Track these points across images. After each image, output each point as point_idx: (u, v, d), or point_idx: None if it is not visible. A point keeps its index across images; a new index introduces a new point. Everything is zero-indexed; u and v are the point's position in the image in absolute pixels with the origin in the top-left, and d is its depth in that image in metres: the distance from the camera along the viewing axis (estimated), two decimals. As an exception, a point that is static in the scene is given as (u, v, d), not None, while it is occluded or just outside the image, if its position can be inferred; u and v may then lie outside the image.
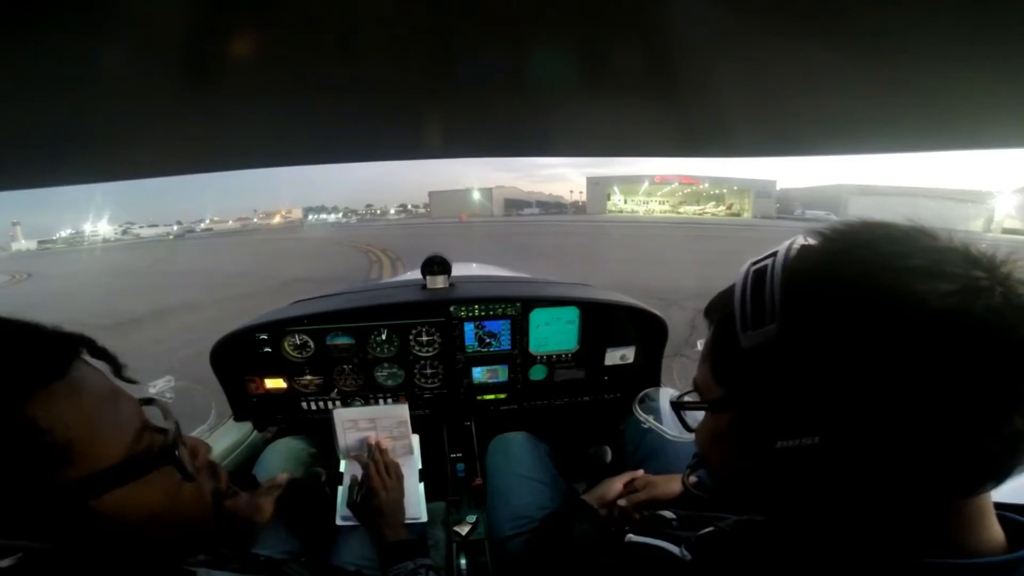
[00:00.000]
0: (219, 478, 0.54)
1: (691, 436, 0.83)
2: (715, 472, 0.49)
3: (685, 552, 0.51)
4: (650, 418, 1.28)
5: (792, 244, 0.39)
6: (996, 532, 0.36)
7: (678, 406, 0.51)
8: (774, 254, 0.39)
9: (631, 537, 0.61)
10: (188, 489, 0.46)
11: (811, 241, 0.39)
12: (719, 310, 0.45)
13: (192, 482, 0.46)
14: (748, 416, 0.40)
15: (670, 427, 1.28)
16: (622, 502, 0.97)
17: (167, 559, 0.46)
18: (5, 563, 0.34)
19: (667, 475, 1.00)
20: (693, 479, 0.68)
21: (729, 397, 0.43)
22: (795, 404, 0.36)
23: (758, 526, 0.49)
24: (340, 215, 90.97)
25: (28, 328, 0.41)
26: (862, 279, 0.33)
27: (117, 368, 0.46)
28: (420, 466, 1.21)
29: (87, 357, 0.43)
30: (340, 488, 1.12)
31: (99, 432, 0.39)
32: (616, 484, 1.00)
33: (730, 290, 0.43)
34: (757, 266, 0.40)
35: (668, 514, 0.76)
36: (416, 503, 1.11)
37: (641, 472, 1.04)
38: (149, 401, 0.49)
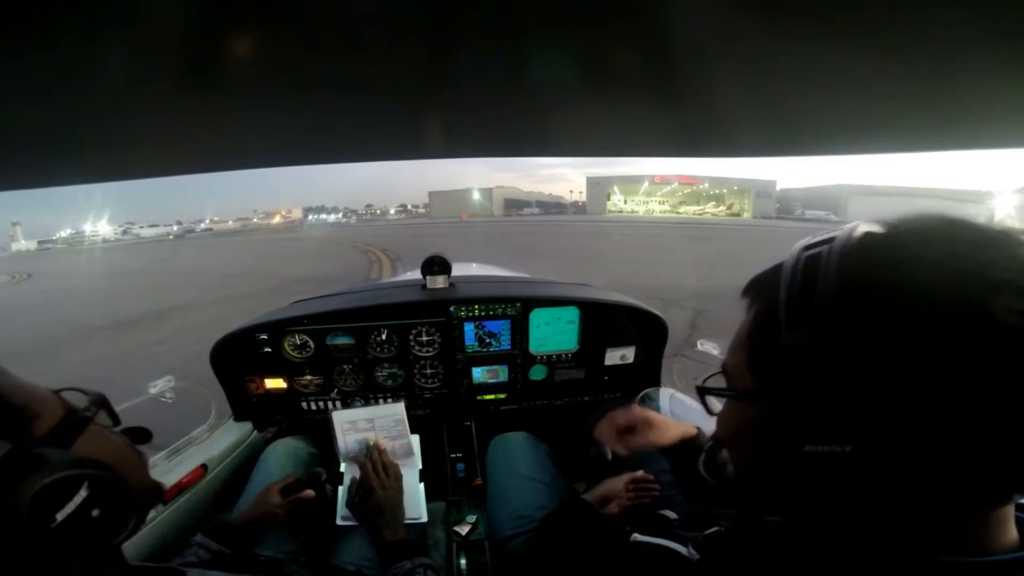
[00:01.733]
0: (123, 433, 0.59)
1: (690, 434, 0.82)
2: (734, 462, 0.47)
3: (692, 551, 0.51)
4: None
5: (853, 231, 0.34)
6: (1012, 532, 0.36)
7: (703, 391, 0.48)
8: (831, 240, 0.35)
9: (636, 537, 0.61)
10: (121, 439, 0.54)
11: (875, 230, 0.34)
12: (761, 294, 0.41)
13: (119, 425, 0.54)
14: (779, 413, 0.37)
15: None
16: (619, 448, 0.99)
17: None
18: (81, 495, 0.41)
19: (667, 420, 0.99)
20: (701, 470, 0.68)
21: (762, 390, 0.39)
22: (834, 410, 0.33)
23: (767, 526, 0.48)
24: (340, 215, 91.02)
25: None
26: (936, 287, 0.30)
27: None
28: (420, 466, 1.22)
29: None
30: (340, 488, 1.12)
31: (37, 398, 0.45)
32: (618, 483, 1.00)
33: (775, 271, 0.39)
34: (811, 252, 0.35)
35: (670, 514, 0.76)
36: (416, 503, 1.11)
37: (641, 472, 1.05)
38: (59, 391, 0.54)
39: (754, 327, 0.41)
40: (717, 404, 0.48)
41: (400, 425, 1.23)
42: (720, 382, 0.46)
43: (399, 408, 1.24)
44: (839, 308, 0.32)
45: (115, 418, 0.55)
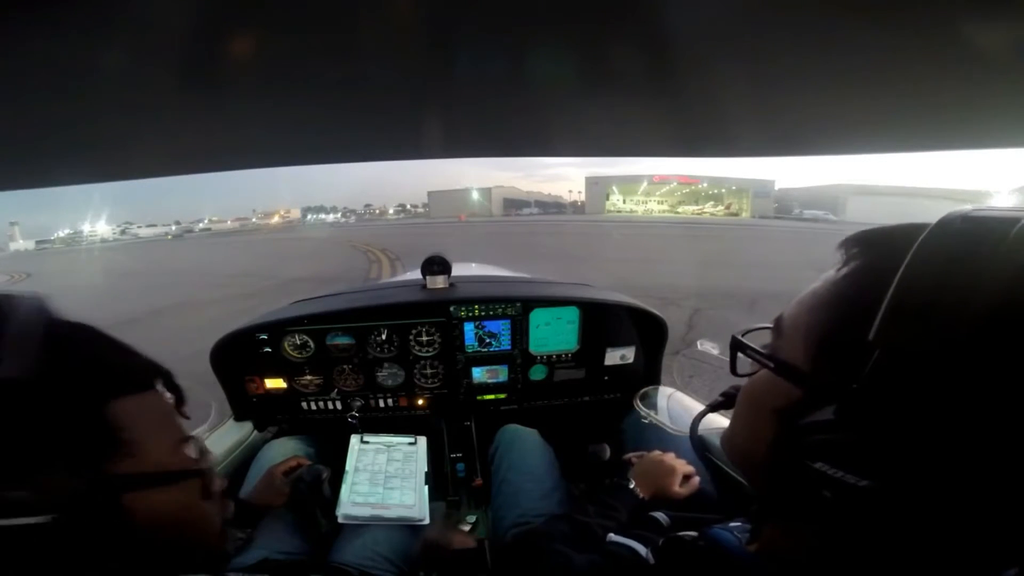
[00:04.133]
0: (226, 508, 0.57)
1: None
2: (735, 422, 0.43)
3: (649, 555, 0.51)
4: (651, 413, 1.28)
5: None
6: None
7: (738, 345, 0.40)
8: (1015, 219, 0.25)
9: (611, 537, 0.62)
10: (203, 508, 0.51)
11: None
12: (873, 252, 0.32)
13: (209, 500, 0.51)
14: (814, 414, 0.30)
15: (670, 424, 1.29)
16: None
17: (173, 563, 0.49)
18: (41, 519, 0.37)
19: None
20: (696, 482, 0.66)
21: (813, 376, 0.32)
22: (895, 437, 0.26)
23: (732, 541, 0.46)
24: (339, 215, 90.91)
25: (133, 350, 0.51)
26: None
27: (181, 402, 0.54)
28: (427, 469, 1.22)
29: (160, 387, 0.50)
30: (344, 487, 1.12)
31: (155, 441, 0.45)
32: (664, 467, 0.98)
33: (904, 232, 0.30)
34: (975, 222, 0.26)
35: (662, 516, 0.77)
36: (421, 505, 1.11)
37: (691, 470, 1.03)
38: (188, 439, 0.54)
39: (843, 293, 0.32)
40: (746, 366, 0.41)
41: (410, 461, 1.25)
42: (764, 338, 0.38)
43: (420, 445, 1.29)
44: (1013, 307, 0.23)
45: (207, 493, 0.50)
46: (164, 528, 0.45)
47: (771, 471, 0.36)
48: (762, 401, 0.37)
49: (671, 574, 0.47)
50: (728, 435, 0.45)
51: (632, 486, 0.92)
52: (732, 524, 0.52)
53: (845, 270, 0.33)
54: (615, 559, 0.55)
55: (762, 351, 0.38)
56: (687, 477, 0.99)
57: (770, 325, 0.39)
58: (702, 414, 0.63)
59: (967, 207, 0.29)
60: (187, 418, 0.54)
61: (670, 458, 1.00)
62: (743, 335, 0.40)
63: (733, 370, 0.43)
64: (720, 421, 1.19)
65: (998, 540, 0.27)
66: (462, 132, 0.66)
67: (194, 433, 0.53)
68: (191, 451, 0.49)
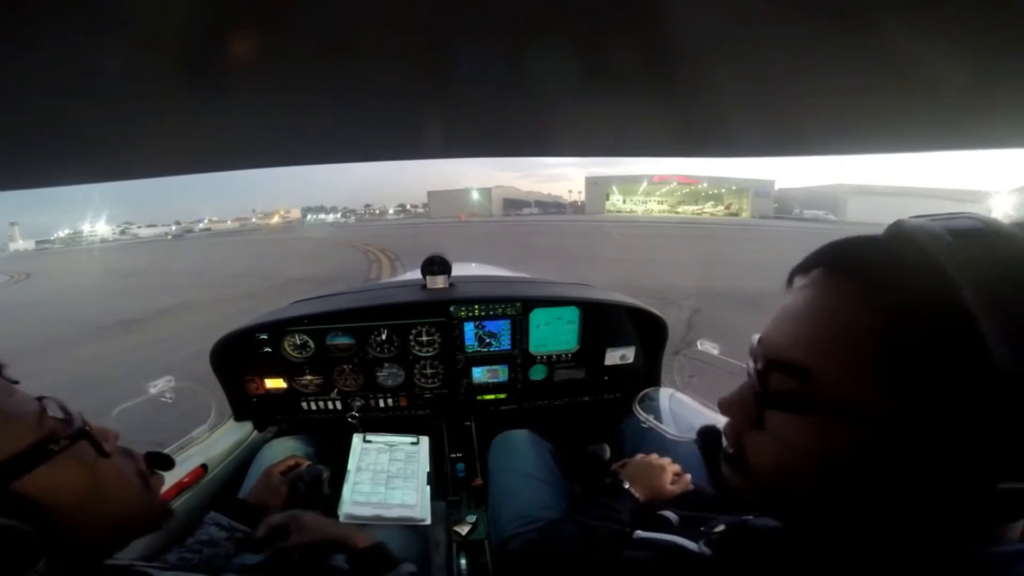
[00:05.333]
0: (136, 459, 0.55)
1: (689, 436, 0.81)
2: (776, 483, 0.39)
3: (704, 548, 0.49)
4: (650, 417, 1.28)
5: None
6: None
7: (773, 400, 0.36)
8: None
9: (639, 534, 0.60)
10: (108, 468, 0.49)
11: None
12: (902, 286, 0.31)
13: (107, 457, 0.49)
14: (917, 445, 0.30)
15: (670, 427, 1.29)
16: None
17: (112, 542, 0.48)
18: None
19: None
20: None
21: (894, 414, 0.30)
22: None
23: (782, 524, 0.45)
24: (339, 215, 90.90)
25: None
26: None
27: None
28: (428, 469, 1.22)
29: None
30: (345, 486, 1.12)
31: (4, 421, 0.42)
32: (654, 468, 0.97)
33: (908, 252, 0.32)
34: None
35: (670, 515, 0.76)
36: (422, 505, 1.11)
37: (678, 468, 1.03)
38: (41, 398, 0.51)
39: (896, 332, 0.31)
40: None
41: (412, 461, 1.25)
42: (785, 383, 0.36)
43: (422, 445, 1.28)
44: None
45: (99, 450, 0.49)
46: (78, 501, 0.44)
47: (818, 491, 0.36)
48: (811, 448, 0.35)
49: (737, 564, 0.45)
50: (755, 480, 0.42)
51: (627, 487, 0.92)
52: (747, 519, 0.51)
53: (868, 305, 0.34)
54: (660, 555, 0.54)
55: (815, 400, 0.34)
56: (677, 475, 0.99)
57: (789, 371, 0.37)
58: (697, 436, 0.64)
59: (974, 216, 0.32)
60: (15, 382, 0.50)
61: (657, 458, 1.01)
62: (764, 386, 0.38)
63: (758, 424, 0.39)
64: (722, 423, 1.19)
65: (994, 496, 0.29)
66: (462, 132, 0.66)
67: (194, 433, 0.52)
68: (55, 414, 0.47)
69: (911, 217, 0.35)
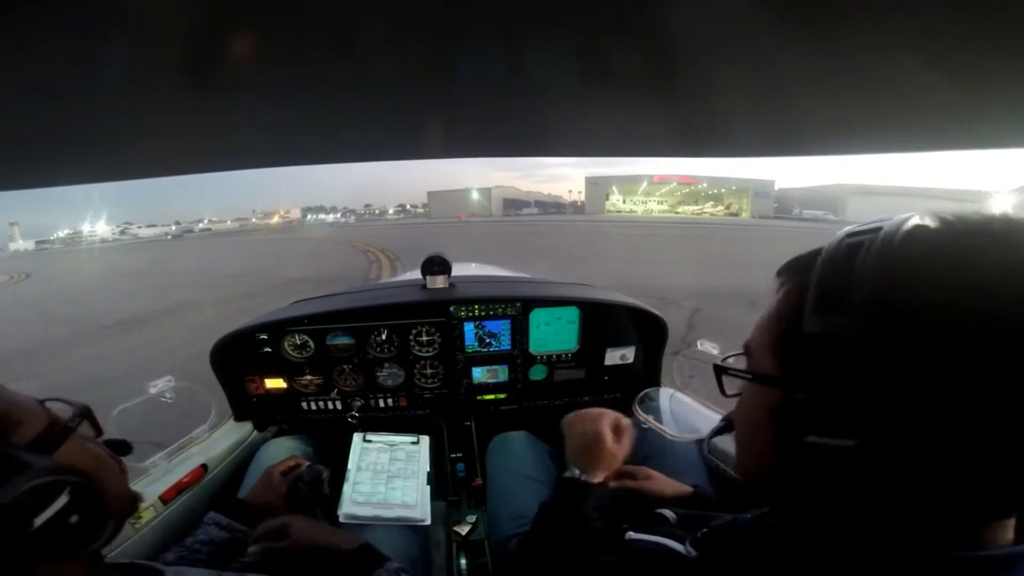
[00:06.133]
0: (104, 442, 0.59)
1: (689, 436, 0.81)
2: (738, 447, 0.47)
3: (690, 549, 0.50)
4: (650, 418, 1.28)
5: (903, 223, 0.33)
6: (1009, 529, 0.35)
7: (720, 369, 0.47)
8: (876, 229, 0.34)
9: (631, 535, 0.60)
10: (100, 449, 0.53)
11: (928, 223, 0.32)
12: (795, 276, 0.40)
13: (100, 433, 0.54)
14: (791, 400, 0.36)
15: (670, 427, 1.29)
16: (613, 484, 0.95)
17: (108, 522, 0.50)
18: (62, 500, 0.41)
19: (668, 478, 0.99)
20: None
21: (780, 375, 0.39)
22: (847, 403, 0.32)
23: (767, 523, 0.47)
24: (339, 215, 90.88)
25: None
26: (1000, 288, 0.28)
27: None
28: (428, 468, 1.22)
29: None
30: (345, 486, 1.12)
31: (21, 406, 0.46)
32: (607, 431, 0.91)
33: (812, 256, 0.39)
34: (852, 239, 0.35)
35: (668, 513, 0.76)
36: (422, 505, 1.11)
37: (645, 469, 1.04)
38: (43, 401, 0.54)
39: (782, 309, 0.40)
40: (733, 387, 0.48)
41: (412, 461, 1.25)
42: (741, 363, 0.45)
43: (423, 445, 1.28)
44: (874, 301, 0.31)
45: (98, 429, 0.55)
46: (94, 474, 0.48)
47: (778, 472, 0.40)
48: (752, 413, 0.43)
49: (723, 565, 0.47)
50: (738, 461, 0.49)
51: (577, 475, 0.85)
52: (745, 517, 0.51)
53: (780, 292, 0.42)
54: (648, 558, 0.54)
55: (741, 369, 0.45)
56: (617, 425, 0.92)
57: (740, 351, 0.46)
58: (709, 437, 0.66)
59: (851, 227, 0.37)
60: None
61: (591, 425, 0.93)
62: (723, 360, 0.48)
63: (722, 391, 0.49)
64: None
65: (982, 493, 0.31)
66: (462, 132, 0.66)
67: (194, 433, 0.53)
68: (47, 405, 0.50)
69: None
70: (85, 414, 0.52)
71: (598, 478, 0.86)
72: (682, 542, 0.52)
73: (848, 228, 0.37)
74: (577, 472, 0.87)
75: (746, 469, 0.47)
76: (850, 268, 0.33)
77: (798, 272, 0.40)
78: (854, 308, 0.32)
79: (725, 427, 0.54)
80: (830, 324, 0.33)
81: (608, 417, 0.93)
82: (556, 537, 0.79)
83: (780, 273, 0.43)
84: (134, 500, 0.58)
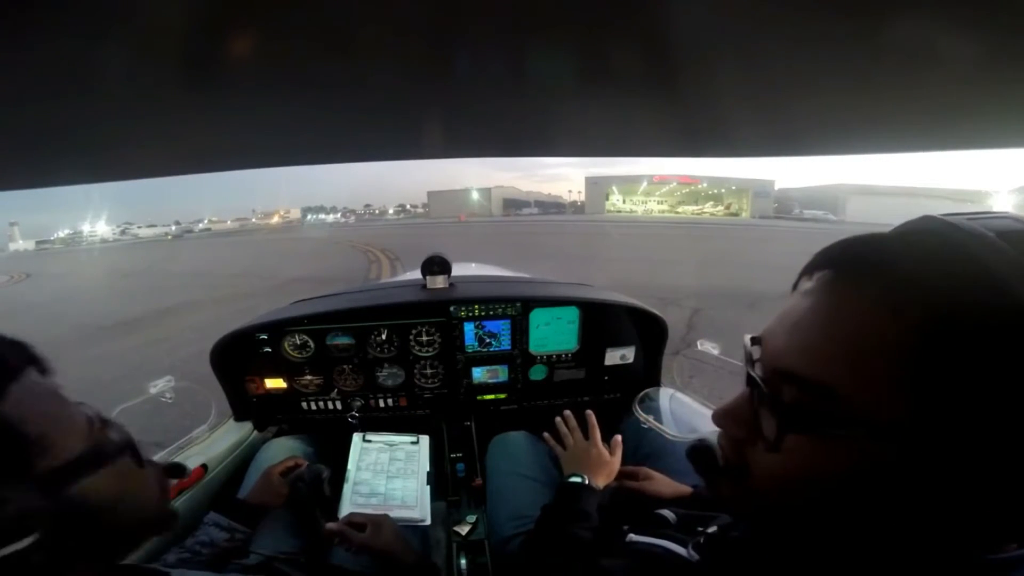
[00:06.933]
0: (155, 466, 0.56)
1: (689, 436, 0.80)
2: (781, 500, 0.36)
3: (692, 553, 0.49)
4: (650, 418, 1.28)
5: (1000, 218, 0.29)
6: None
7: (794, 422, 0.33)
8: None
9: (632, 537, 0.60)
10: (139, 476, 0.50)
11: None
12: (909, 286, 0.30)
13: (142, 468, 0.50)
14: (915, 453, 0.29)
15: (670, 427, 1.29)
16: (613, 484, 0.97)
17: (122, 544, 0.49)
18: (24, 543, 0.37)
19: (668, 478, 1.00)
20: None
21: (908, 419, 0.29)
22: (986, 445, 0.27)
23: (771, 529, 0.43)
24: (339, 215, 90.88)
25: None
26: None
27: (43, 369, 0.48)
28: (428, 468, 1.22)
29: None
30: (346, 486, 1.12)
31: (61, 425, 0.42)
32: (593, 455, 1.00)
33: (883, 255, 0.32)
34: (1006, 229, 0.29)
35: (668, 513, 0.76)
36: (422, 505, 1.11)
37: (645, 469, 1.05)
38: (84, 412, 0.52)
39: (873, 331, 0.30)
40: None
41: (412, 461, 1.25)
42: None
43: (422, 445, 1.29)
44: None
45: (139, 462, 0.51)
46: (111, 506, 0.45)
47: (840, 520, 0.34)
48: (831, 468, 0.33)
49: (726, 572, 0.45)
50: (753, 497, 0.40)
51: (584, 480, 0.92)
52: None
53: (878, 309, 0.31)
54: (650, 562, 0.53)
55: (837, 418, 0.31)
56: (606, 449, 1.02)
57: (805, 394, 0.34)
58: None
59: (960, 216, 0.31)
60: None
61: (577, 434, 1.05)
62: (782, 408, 0.35)
63: (771, 445, 0.36)
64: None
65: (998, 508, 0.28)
66: (462, 132, 0.66)
67: (194, 433, 0.53)
68: (95, 421, 0.47)
69: (937, 215, 0.33)
70: (126, 448, 0.49)
71: (600, 484, 0.89)
72: (684, 545, 0.51)
73: (960, 218, 0.31)
74: (584, 479, 0.90)
75: (766, 508, 0.39)
76: (984, 271, 0.27)
77: (916, 281, 0.30)
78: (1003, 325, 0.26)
79: (728, 470, 0.41)
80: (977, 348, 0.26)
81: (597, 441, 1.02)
82: (558, 539, 0.79)
83: (866, 281, 0.31)
84: (167, 520, 0.56)
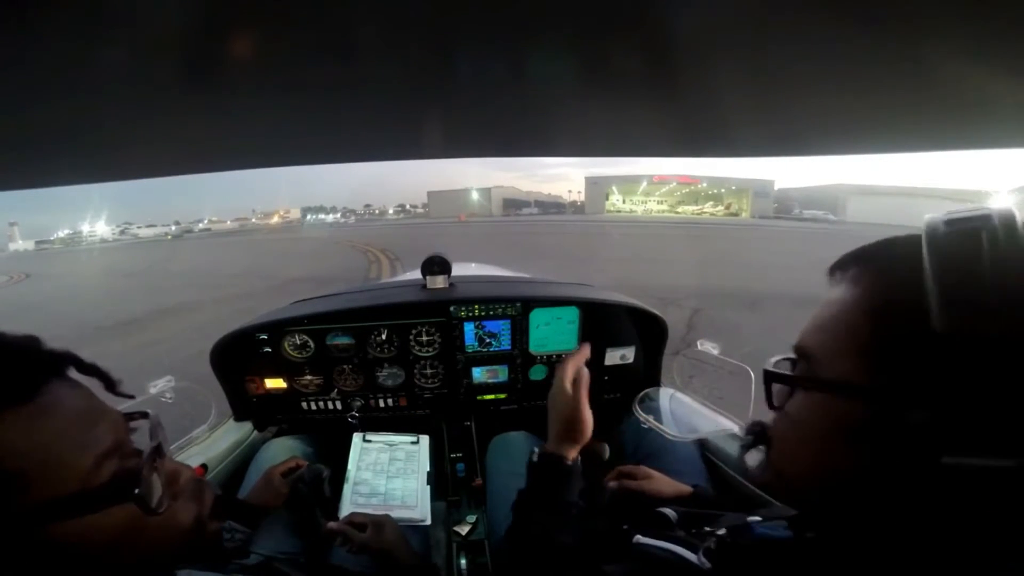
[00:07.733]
0: (203, 503, 0.50)
1: (689, 436, 0.79)
2: (789, 462, 0.41)
3: (703, 560, 0.49)
4: (650, 418, 1.28)
5: (1010, 212, 0.30)
6: None
7: (773, 376, 0.42)
8: (986, 216, 0.30)
9: (639, 539, 0.60)
10: (152, 521, 0.43)
11: None
12: (882, 270, 0.36)
13: (156, 515, 0.43)
14: (893, 415, 0.32)
15: (670, 427, 1.29)
16: (612, 484, 0.95)
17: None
18: None
19: (668, 478, 1.00)
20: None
21: (872, 383, 0.34)
22: (1007, 416, 0.28)
23: (805, 541, 0.44)
24: (338, 215, 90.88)
25: (18, 343, 0.39)
26: None
27: (110, 384, 0.45)
28: (428, 468, 1.22)
29: (75, 374, 0.42)
30: (345, 485, 1.12)
31: (62, 458, 0.37)
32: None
33: (891, 248, 0.36)
34: (959, 228, 0.31)
35: (669, 512, 0.76)
36: (422, 505, 1.11)
37: (644, 468, 1.04)
38: (140, 416, 0.47)
39: (867, 307, 0.35)
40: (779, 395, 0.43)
41: (412, 461, 1.25)
42: (791, 367, 0.41)
43: (422, 445, 1.29)
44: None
45: (148, 511, 0.42)
46: (106, 554, 0.39)
47: (841, 485, 0.37)
48: (814, 428, 0.38)
49: None
50: (775, 466, 0.44)
51: (543, 447, 0.83)
52: (752, 519, 0.51)
53: (858, 288, 0.38)
54: (659, 566, 0.53)
55: (814, 378, 0.39)
56: (576, 383, 0.87)
57: (791, 356, 0.42)
58: (742, 453, 0.64)
59: (940, 215, 0.33)
60: (129, 397, 0.46)
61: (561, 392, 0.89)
62: (774, 366, 0.43)
63: (770, 404, 0.44)
64: (722, 423, 1.20)
65: None
66: (462, 132, 0.66)
67: (194, 433, 0.49)
68: (135, 440, 0.42)
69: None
70: (136, 499, 0.41)
71: (573, 451, 0.84)
72: (694, 551, 0.51)
73: (940, 216, 0.33)
74: (540, 449, 0.82)
75: (798, 490, 0.42)
76: (976, 262, 0.29)
77: (887, 266, 0.36)
78: (995, 305, 0.28)
79: (758, 438, 0.47)
80: (966, 324, 0.29)
81: (568, 376, 0.88)
82: (536, 523, 0.76)
83: (848, 266, 0.39)
84: (202, 553, 0.50)
